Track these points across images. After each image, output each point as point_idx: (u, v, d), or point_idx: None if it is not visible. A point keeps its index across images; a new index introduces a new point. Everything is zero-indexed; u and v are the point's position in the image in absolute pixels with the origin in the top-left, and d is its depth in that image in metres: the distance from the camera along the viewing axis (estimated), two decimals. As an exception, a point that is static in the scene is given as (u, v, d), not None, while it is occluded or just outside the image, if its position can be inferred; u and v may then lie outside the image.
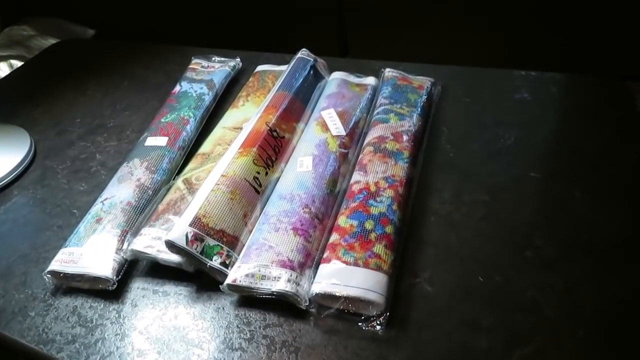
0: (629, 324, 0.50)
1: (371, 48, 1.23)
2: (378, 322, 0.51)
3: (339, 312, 0.52)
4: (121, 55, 1.07)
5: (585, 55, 1.13)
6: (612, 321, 0.50)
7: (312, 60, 0.83)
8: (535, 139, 0.72)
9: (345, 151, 0.70)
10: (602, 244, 0.57)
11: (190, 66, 0.91)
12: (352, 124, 0.73)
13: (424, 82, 0.81)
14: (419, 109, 0.75)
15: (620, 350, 0.48)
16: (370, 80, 0.82)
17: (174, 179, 0.68)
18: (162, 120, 0.77)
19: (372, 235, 0.56)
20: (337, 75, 0.83)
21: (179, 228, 0.56)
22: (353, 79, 0.83)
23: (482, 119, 0.76)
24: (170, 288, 0.58)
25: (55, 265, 0.58)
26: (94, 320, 0.56)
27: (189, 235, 0.56)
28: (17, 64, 1.38)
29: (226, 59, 0.93)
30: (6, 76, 1.09)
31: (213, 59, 0.93)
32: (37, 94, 0.96)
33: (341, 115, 0.74)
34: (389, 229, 0.57)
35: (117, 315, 0.56)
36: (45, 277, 0.58)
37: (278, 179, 0.67)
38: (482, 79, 0.84)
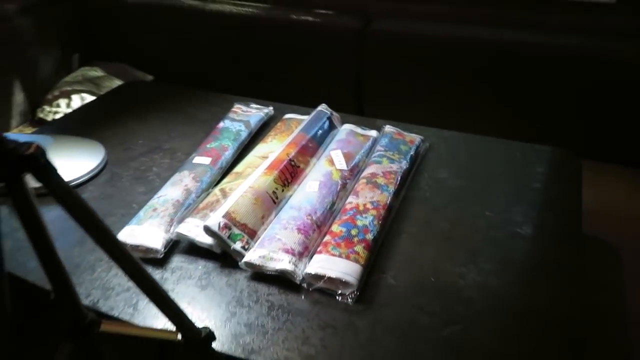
0: (528, 320, 0.67)
1: (379, 111, 1.47)
2: (350, 297, 0.69)
3: (323, 289, 0.71)
4: (176, 96, 1.31)
5: (551, 131, 1.34)
6: (521, 313, 0.68)
7: (328, 113, 1.06)
8: (495, 188, 0.91)
9: (345, 182, 0.90)
10: (525, 265, 0.75)
11: (233, 109, 1.15)
12: (353, 163, 0.95)
13: (415, 138, 1.02)
14: (408, 157, 0.96)
15: (522, 335, 0.65)
16: (373, 133, 1.04)
17: (212, 188, 0.89)
18: (207, 145, 1.00)
19: (355, 239, 0.76)
20: (347, 126, 1.05)
21: (215, 218, 0.77)
22: (359, 130, 1.05)
23: (456, 170, 0.97)
24: (201, 262, 0.78)
25: (121, 236, 0.79)
26: (144, 278, 0.75)
27: (221, 224, 0.76)
28: (87, 97, 1.65)
29: (261, 107, 1.16)
30: (86, 104, 1.35)
31: (251, 105, 1.17)
32: (108, 120, 1.20)
33: (346, 156, 0.95)
34: (368, 236, 0.77)
35: (160, 277, 0.76)
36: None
37: (291, 195, 0.87)
38: (462, 142, 1.05)
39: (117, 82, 1.74)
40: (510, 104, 1.39)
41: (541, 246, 0.79)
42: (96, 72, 1.80)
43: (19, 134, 1.42)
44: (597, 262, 1.06)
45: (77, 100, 1.64)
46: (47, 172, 0.44)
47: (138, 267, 0.52)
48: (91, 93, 1.67)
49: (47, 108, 1.66)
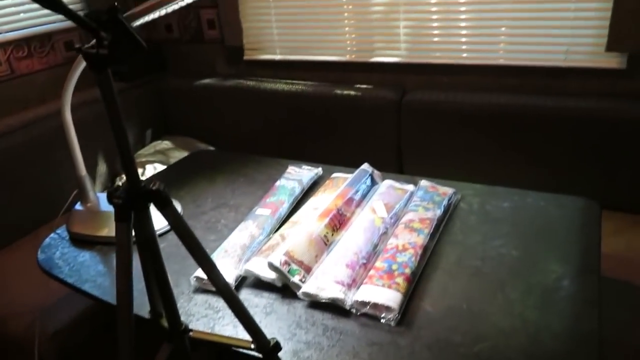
0: (548, 339, 0.77)
1: (417, 170, 1.62)
2: (393, 320, 0.82)
3: (369, 314, 0.84)
4: (237, 161, 1.51)
5: (576, 184, 1.45)
6: (541, 334, 0.78)
7: (370, 170, 1.23)
8: (520, 231, 1.03)
9: (386, 228, 1.04)
10: (546, 294, 0.86)
11: (287, 170, 1.33)
12: (393, 212, 1.09)
13: (448, 190, 1.16)
14: (441, 206, 1.09)
15: (542, 352, 0.75)
16: (410, 187, 1.19)
17: (272, 234, 1.05)
18: (267, 200, 1.17)
19: (396, 273, 0.89)
20: (387, 182, 1.21)
21: (277, 255, 0.92)
22: (398, 184, 1.20)
23: (485, 217, 1.09)
24: (265, 294, 0.93)
25: (199, 272, 0.95)
26: (218, 307, 0.90)
27: (282, 260, 0.92)
28: (159, 166, 1.88)
29: (312, 168, 1.34)
30: (164, 169, 1.58)
31: (303, 167, 1.35)
32: (182, 183, 1.40)
33: (386, 206, 1.10)
34: (407, 270, 0.90)
35: (232, 306, 0.91)
36: (191, 280, 0.95)
37: (339, 239, 1.02)
38: (490, 194, 1.18)
39: (183, 153, 1.98)
40: (535, 160, 1.51)
41: (560, 279, 0.89)
42: (166, 145, 2.06)
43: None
44: (621, 302, 1.13)
45: (150, 169, 1.88)
46: (166, 203, 0.61)
47: (226, 284, 0.68)
48: (161, 163, 1.91)
49: (124, 177, 1.90)
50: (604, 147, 1.42)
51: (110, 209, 1.21)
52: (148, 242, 0.63)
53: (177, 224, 0.63)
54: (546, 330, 0.79)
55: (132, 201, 0.58)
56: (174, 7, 0.88)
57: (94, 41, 0.54)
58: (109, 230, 1.13)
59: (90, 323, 1.35)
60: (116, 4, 0.52)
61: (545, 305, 0.84)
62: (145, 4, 0.84)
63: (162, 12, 0.89)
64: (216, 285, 0.67)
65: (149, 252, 0.64)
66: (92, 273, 1.03)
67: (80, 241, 1.15)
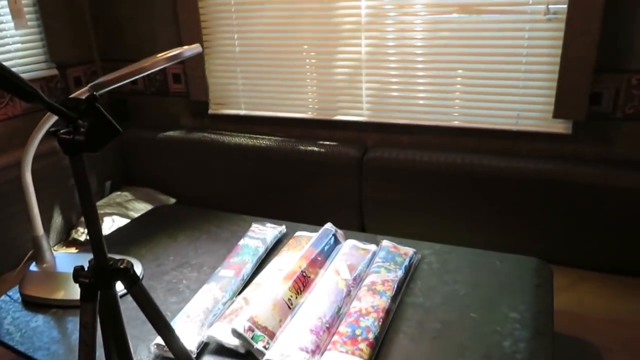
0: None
1: (378, 226, 1.65)
2: (357, 388, 0.82)
3: (334, 381, 0.84)
4: (200, 217, 1.51)
5: (530, 243, 1.51)
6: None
7: (333, 230, 1.25)
8: (478, 293, 1.06)
9: (349, 290, 1.06)
10: (504, 358, 0.88)
11: (251, 228, 1.33)
12: (356, 273, 1.11)
13: (409, 250, 1.19)
14: (403, 267, 1.12)
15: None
16: (372, 247, 1.21)
17: (236, 297, 1.05)
18: (230, 260, 1.17)
19: (359, 338, 0.90)
20: (350, 241, 1.23)
21: (240, 321, 0.92)
22: (360, 245, 1.22)
23: (445, 278, 1.12)
24: (229, 361, 0.91)
25: (160, 339, 0.93)
26: (179, 376, 0.88)
27: (246, 327, 0.91)
28: (117, 219, 1.85)
29: (275, 226, 1.35)
30: (125, 225, 1.55)
31: (266, 224, 1.35)
32: (143, 239, 1.38)
33: (349, 267, 1.12)
34: (370, 335, 0.91)
35: (193, 374, 0.88)
36: (151, 347, 0.93)
37: (303, 302, 1.02)
38: (450, 253, 1.22)
39: (143, 205, 1.96)
40: (490, 218, 1.57)
41: (518, 342, 0.92)
42: (125, 197, 2.02)
43: (67, 254, 1.60)
44: (576, 358, 1.17)
45: (108, 222, 1.84)
46: (133, 280, 0.61)
47: (187, 355, 0.67)
48: (120, 215, 1.88)
49: (80, 229, 1.85)
50: (553, 206, 1.49)
51: (67, 270, 1.17)
52: (112, 316, 0.62)
53: (143, 300, 0.63)
54: (505, 395, 0.81)
55: (100, 280, 0.58)
56: (144, 74, 0.90)
57: (69, 127, 0.54)
58: (66, 293, 1.09)
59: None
60: (95, 93, 0.53)
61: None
62: (116, 74, 0.85)
63: (132, 78, 0.91)
64: (177, 357, 0.66)
65: (112, 325, 0.63)
66: (45, 340, 0.99)
67: (33, 304, 1.10)
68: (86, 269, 0.60)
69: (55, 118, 1.08)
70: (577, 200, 1.46)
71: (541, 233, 1.53)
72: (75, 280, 0.59)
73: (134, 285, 0.61)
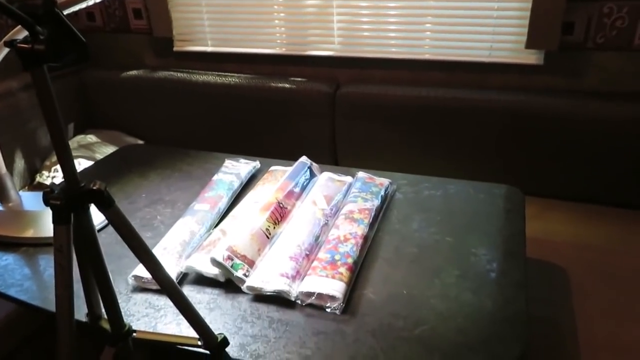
0: (482, 318, 0.82)
1: (352, 162, 1.66)
2: (337, 309, 0.84)
3: (314, 304, 0.85)
4: (172, 156, 1.47)
5: (501, 172, 1.55)
6: (476, 314, 0.83)
7: (309, 163, 1.24)
8: (453, 219, 1.08)
9: (327, 220, 1.06)
10: (479, 277, 0.91)
11: (225, 164, 1.31)
12: (332, 203, 1.11)
13: (384, 181, 1.20)
14: (379, 197, 1.13)
15: (477, 330, 0.80)
16: (348, 179, 1.21)
17: (213, 229, 1.04)
18: (205, 195, 1.15)
19: (339, 263, 0.91)
20: (326, 174, 1.22)
21: (219, 251, 0.91)
22: (336, 177, 1.22)
23: (420, 206, 1.14)
24: (208, 290, 0.91)
25: (137, 271, 0.92)
26: (159, 305, 0.88)
27: (225, 255, 0.90)
28: (84, 162, 1.79)
29: (249, 161, 1.33)
30: (94, 164, 1.51)
31: (240, 160, 1.33)
32: (112, 179, 1.34)
33: (326, 198, 1.12)
34: (349, 260, 0.92)
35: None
36: (128, 279, 0.92)
37: (281, 232, 1.02)
38: (424, 183, 1.23)
39: (110, 148, 1.89)
40: (462, 151, 1.59)
41: (491, 262, 0.95)
42: (90, 139, 1.95)
43: (33, 193, 1.54)
44: (545, 281, 1.22)
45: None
46: (109, 203, 0.59)
47: (171, 280, 0.66)
48: (87, 158, 1.81)
49: (45, 173, 1.79)
50: (523, 137, 1.52)
51: (35, 208, 1.14)
52: (88, 243, 0.60)
53: (120, 224, 0.61)
54: (480, 311, 0.84)
55: (72, 202, 0.55)
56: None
57: (26, 35, 0.50)
58: (35, 231, 1.06)
59: (11, 334, 1.26)
60: (52, -1, 0.49)
61: (478, 289, 0.90)
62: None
63: (90, 2, 0.85)
64: (161, 283, 0.65)
65: (89, 253, 0.61)
66: (17, 277, 0.97)
67: (2, 244, 1.07)
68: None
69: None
70: (547, 132, 1.48)
71: (511, 164, 1.56)
72: (46, 203, 0.56)
73: (109, 208, 0.58)
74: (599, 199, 1.50)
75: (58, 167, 1.79)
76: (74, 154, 1.86)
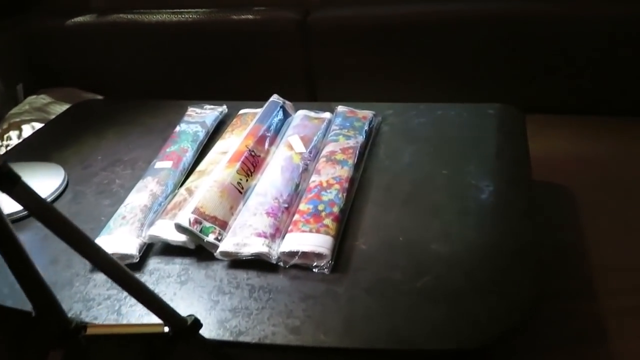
0: (490, 257, 0.72)
1: (332, 95, 1.50)
2: (326, 268, 0.73)
3: (299, 264, 0.74)
4: (130, 109, 1.31)
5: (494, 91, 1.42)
6: (483, 253, 0.72)
7: (281, 102, 1.09)
8: (448, 148, 0.96)
9: (306, 164, 0.93)
10: (482, 211, 0.80)
11: (187, 113, 1.16)
12: (311, 145, 0.98)
13: (367, 113, 1.06)
14: (363, 132, 1.00)
15: (486, 272, 0.70)
16: (326, 115, 1.07)
17: (177, 189, 0.91)
18: (167, 150, 1.01)
19: (323, 214, 0.79)
20: (301, 112, 1.08)
21: (184, 215, 0.79)
22: (313, 114, 1.08)
23: (409, 137, 1.01)
24: (178, 260, 0.80)
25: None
26: (123, 284, 0.77)
27: (191, 219, 0.78)
28: (38, 125, 1.62)
29: (215, 107, 1.18)
30: (40, 128, 1.35)
31: (205, 107, 1.18)
32: (65, 141, 1.19)
33: (303, 139, 0.98)
34: (335, 209, 0.80)
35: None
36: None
37: (255, 184, 0.90)
38: (412, 111, 1.10)
39: (67, 107, 1.72)
40: (450, 71, 1.45)
41: (494, 193, 0.84)
42: (44, 100, 1.77)
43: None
44: (551, 203, 1.12)
45: (28, 130, 1.61)
46: (13, 182, 0.45)
47: (118, 266, 0.54)
48: (42, 121, 1.65)
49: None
50: (517, 49, 1.37)
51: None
52: (6, 238, 0.47)
53: (33, 205, 0.48)
54: (486, 249, 0.74)
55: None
56: None
57: None
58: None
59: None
60: None
61: (481, 224, 0.79)
62: None
63: None
64: (101, 268, 0.53)
65: (4, 243, 0.48)
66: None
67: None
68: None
69: None
70: (542, 40, 1.34)
71: (506, 81, 1.43)
72: None
73: (15, 187, 0.45)
74: (601, 109, 1.38)
75: (12, 133, 1.64)
76: (27, 117, 1.69)
